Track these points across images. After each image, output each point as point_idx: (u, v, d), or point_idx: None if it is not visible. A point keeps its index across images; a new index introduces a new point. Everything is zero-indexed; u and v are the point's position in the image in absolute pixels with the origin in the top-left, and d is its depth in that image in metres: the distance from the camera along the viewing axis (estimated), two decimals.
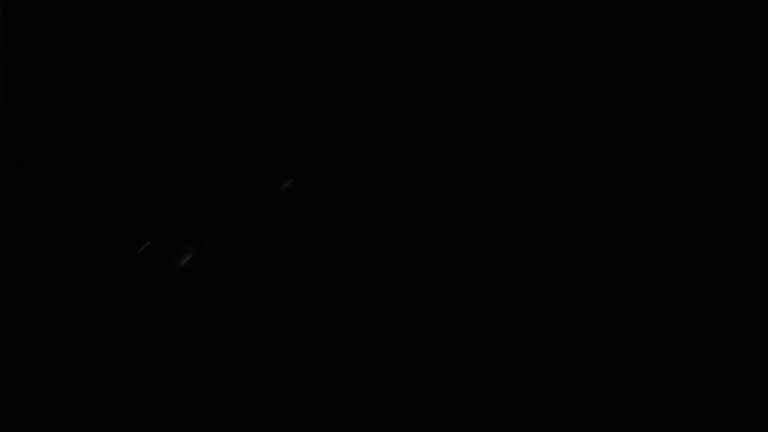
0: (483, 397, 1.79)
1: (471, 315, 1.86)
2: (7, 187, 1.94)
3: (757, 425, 1.71)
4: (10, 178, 1.94)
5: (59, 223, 1.94)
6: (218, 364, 1.85)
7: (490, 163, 1.94)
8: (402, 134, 1.98)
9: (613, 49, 1.93)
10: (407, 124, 1.98)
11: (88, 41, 1.99)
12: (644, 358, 1.78)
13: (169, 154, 2.00)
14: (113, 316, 1.89)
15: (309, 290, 1.90)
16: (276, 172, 2.00)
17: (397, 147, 1.97)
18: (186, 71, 2.01)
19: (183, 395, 1.83)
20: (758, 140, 1.87)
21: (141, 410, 1.81)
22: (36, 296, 1.89)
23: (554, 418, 1.76)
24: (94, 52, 1.99)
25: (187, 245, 1.95)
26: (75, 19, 1.98)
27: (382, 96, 1.99)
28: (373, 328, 1.87)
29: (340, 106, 2.00)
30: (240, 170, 1.99)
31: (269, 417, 1.81)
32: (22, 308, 1.88)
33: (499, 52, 1.96)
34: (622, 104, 1.92)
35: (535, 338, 1.83)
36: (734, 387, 1.74)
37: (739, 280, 1.81)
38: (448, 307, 1.87)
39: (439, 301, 1.87)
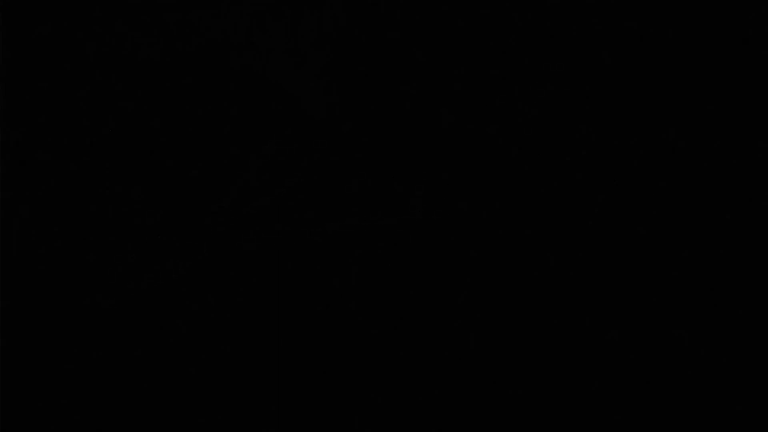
0: (483, 397, 1.79)
1: (471, 315, 1.86)
2: (7, 187, 1.94)
3: (757, 425, 1.71)
4: (10, 178, 1.94)
5: (59, 223, 1.94)
6: (218, 365, 1.85)
7: (490, 163, 1.94)
8: (402, 134, 1.98)
9: (613, 49, 1.93)
10: (407, 124, 1.98)
11: (88, 41, 1.99)
12: (644, 358, 1.78)
13: (169, 154, 2.00)
14: (113, 316, 1.88)
15: (309, 290, 1.90)
16: (276, 171, 1.99)
17: (397, 147, 1.97)
18: (186, 71, 2.01)
19: (183, 395, 1.82)
20: (758, 140, 1.87)
21: (141, 410, 1.81)
22: (36, 296, 1.89)
23: (554, 418, 1.76)
24: (94, 52, 1.99)
25: (187, 245, 1.94)
26: (75, 19, 1.98)
27: (382, 96, 1.99)
28: (373, 328, 1.87)
29: (340, 106, 2.00)
30: (240, 170, 1.99)
31: (269, 417, 1.80)
32: (22, 308, 1.88)
33: (499, 52, 1.96)
34: (622, 104, 1.92)
35: (535, 338, 1.83)
36: (734, 387, 1.74)
37: (739, 280, 1.81)
38: (448, 307, 1.87)
39: (439, 301, 1.87)
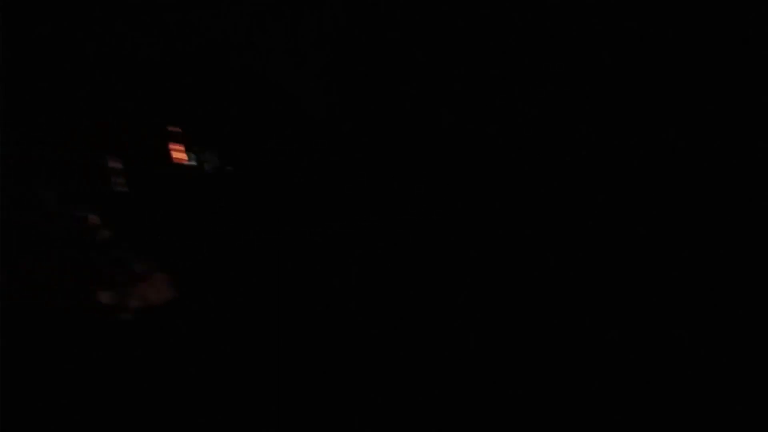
0: (483, 397, 1.79)
1: (471, 315, 1.86)
2: (7, 186, 1.94)
3: (757, 425, 1.71)
4: (10, 178, 1.94)
5: (59, 222, 1.94)
6: (218, 365, 1.85)
7: (490, 163, 1.94)
8: (402, 134, 1.98)
9: (613, 49, 1.93)
10: (407, 124, 1.98)
11: (88, 41, 1.99)
12: (644, 358, 1.78)
13: (169, 154, 2.00)
14: (113, 316, 1.88)
15: (309, 290, 1.90)
16: (276, 171, 1.99)
17: (397, 147, 1.97)
18: (186, 71, 2.01)
19: (183, 395, 1.82)
20: (758, 140, 1.87)
21: (141, 410, 1.81)
22: (36, 296, 1.89)
23: (554, 418, 1.76)
24: (94, 52, 1.99)
25: (186, 244, 1.95)
26: (75, 19, 1.98)
27: (382, 96, 1.99)
28: (373, 328, 1.87)
29: (340, 106, 2.00)
30: (240, 170, 1.99)
31: (269, 417, 1.80)
32: (22, 308, 1.88)
33: (499, 52, 1.96)
34: (622, 104, 1.92)
35: (535, 338, 1.83)
36: (734, 387, 1.74)
37: (739, 280, 1.81)
38: (448, 307, 1.87)
39: (439, 301, 1.87)
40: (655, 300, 1.82)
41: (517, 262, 1.88)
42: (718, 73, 1.90)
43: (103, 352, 1.86)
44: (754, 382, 1.74)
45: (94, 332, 1.87)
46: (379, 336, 1.86)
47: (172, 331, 1.88)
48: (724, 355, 1.77)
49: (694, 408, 1.74)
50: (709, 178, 1.87)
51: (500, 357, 1.82)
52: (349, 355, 1.85)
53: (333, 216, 1.95)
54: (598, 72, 1.93)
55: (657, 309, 1.82)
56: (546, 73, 1.95)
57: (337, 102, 2.00)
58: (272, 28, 2.00)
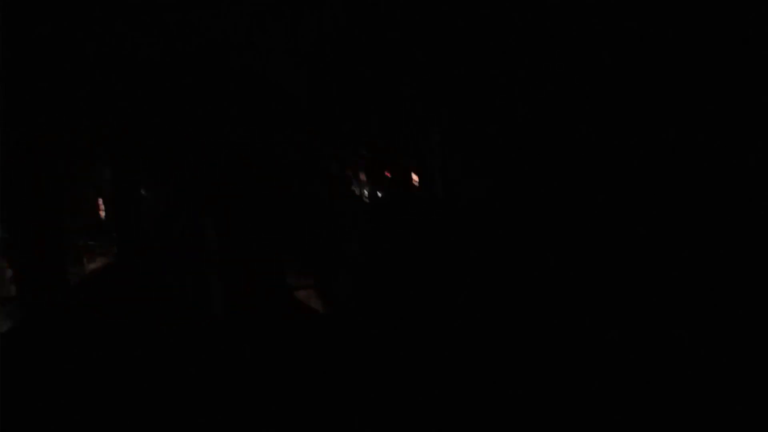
0: (483, 397, 1.79)
1: (471, 315, 1.86)
2: (7, 186, 1.94)
3: (757, 425, 1.71)
4: (10, 178, 1.94)
5: (60, 221, 1.94)
6: (218, 365, 1.85)
7: (489, 162, 1.94)
8: (401, 134, 1.98)
9: (613, 49, 1.93)
10: (407, 124, 1.98)
11: (88, 41, 1.99)
12: (644, 358, 1.78)
13: (169, 153, 2.00)
14: (113, 316, 1.89)
15: (309, 289, 1.90)
16: (275, 171, 2.00)
17: (396, 146, 1.97)
18: (186, 71, 2.01)
19: (183, 395, 1.83)
20: (758, 140, 1.87)
21: (141, 410, 1.81)
22: (36, 296, 1.89)
23: (554, 418, 1.76)
24: (94, 52, 1.99)
25: (185, 242, 1.95)
26: (75, 19, 1.98)
27: (382, 96, 1.99)
28: (373, 328, 1.87)
29: (340, 105, 2.00)
30: (240, 169, 1.99)
31: (269, 417, 1.81)
32: (22, 308, 1.88)
33: (499, 52, 1.96)
34: (622, 104, 1.92)
35: (535, 338, 1.83)
36: (734, 387, 1.74)
37: (739, 280, 1.81)
38: (448, 307, 1.87)
39: (439, 301, 1.87)
40: (655, 300, 1.82)
41: (517, 262, 1.88)
42: (718, 73, 1.90)
43: (103, 351, 1.86)
44: (754, 382, 1.74)
45: (95, 332, 1.87)
46: (379, 336, 1.86)
47: (171, 330, 1.88)
48: (724, 355, 1.77)
49: (695, 408, 1.74)
50: (710, 178, 1.87)
51: (500, 357, 1.82)
52: (350, 355, 1.85)
53: (333, 215, 1.95)
54: (598, 72, 1.93)
55: (657, 309, 1.82)
56: (546, 73, 1.95)
57: (336, 102, 2.00)
58: (272, 28, 2.00)
